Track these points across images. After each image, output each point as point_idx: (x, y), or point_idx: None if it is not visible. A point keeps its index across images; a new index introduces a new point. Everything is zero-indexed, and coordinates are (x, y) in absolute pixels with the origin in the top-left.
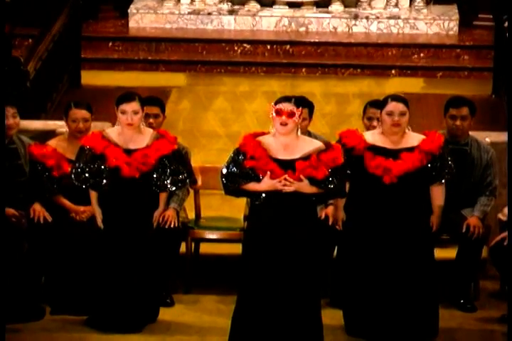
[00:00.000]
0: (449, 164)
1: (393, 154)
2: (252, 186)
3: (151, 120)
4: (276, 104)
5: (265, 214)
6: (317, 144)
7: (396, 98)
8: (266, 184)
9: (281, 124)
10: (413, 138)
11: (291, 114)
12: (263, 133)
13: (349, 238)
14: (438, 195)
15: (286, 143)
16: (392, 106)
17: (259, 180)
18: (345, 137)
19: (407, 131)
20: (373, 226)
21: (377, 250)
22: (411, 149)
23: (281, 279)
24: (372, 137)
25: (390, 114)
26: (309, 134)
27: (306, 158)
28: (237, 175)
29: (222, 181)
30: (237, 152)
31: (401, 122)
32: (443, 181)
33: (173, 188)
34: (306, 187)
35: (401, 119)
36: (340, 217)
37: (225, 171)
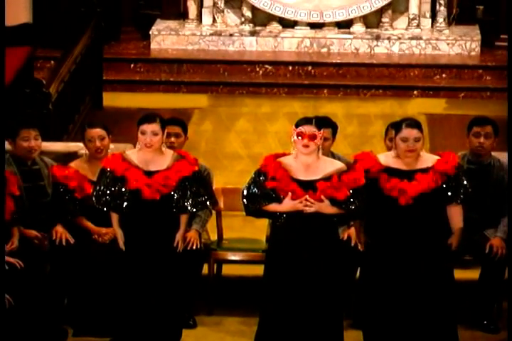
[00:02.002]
0: (465, 184)
1: (408, 175)
2: (273, 207)
3: (172, 139)
4: (297, 126)
5: (286, 235)
6: (338, 165)
7: (410, 124)
8: (287, 205)
9: (303, 146)
10: (427, 160)
11: (312, 137)
12: (284, 154)
13: (370, 259)
14: (455, 215)
15: (308, 163)
16: (407, 132)
17: (280, 201)
18: (360, 160)
19: (421, 153)
20: (391, 247)
21: (396, 271)
22: (425, 170)
23: (304, 300)
24: (386, 159)
25: (405, 140)
26: (332, 155)
27: (327, 178)
28: (258, 196)
29: (243, 202)
30: (258, 173)
31: (415, 148)
32: (459, 201)
33: (194, 210)
34: (327, 207)
35: (416, 145)
36: (361, 238)
37: (245, 192)
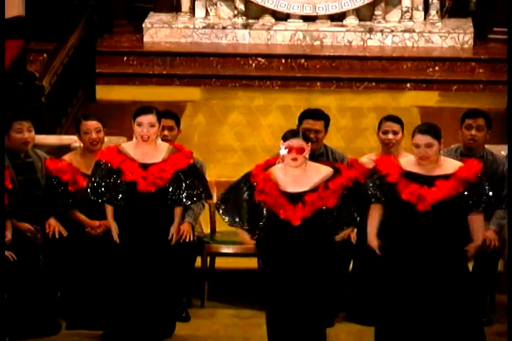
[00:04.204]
0: (486, 192)
1: (428, 181)
2: (243, 237)
3: (165, 132)
4: (285, 139)
5: (275, 245)
6: (324, 172)
7: (422, 130)
8: (244, 240)
9: (292, 160)
10: (449, 166)
11: (301, 150)
12: (273, 161)
13: (385, 263)
14: (476, 223)
15: (295, 174)
16: (418, 138)
17: (263, 214)
18: (381, 163)
19: (442, 159)
20: (407, 253)
21: (411, 276)
22: (447, 177)
23: (300, 293)
24: (407, 163)
25: (417, 146)
26: (325, 148)
27: (315, 189)
28: (235, 205)
29: (218, 208)
30: (246, 182)
31: (428, 155)
32: (480, 210)
33: (189, 202)
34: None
35: (427, 152)
36: (375, 242)
37: (222, 198)
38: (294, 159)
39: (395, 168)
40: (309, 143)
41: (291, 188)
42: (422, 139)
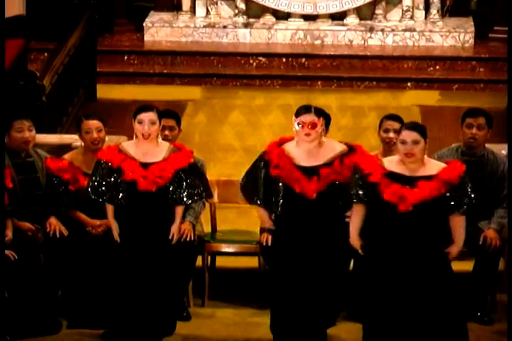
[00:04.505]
0: (469, 194)
1: (410, 182)
2: (260, 213)
3: (166, 132)
4: (297, 115)
5: (289, 222)
6: (339, 148)
7: (409, 126)
8: (265, 223)
9: (305, 135)
10: (433, 167)
11: (313, 125)
12: (289, 139)
13: (366, 263)
14: (457, 225)
15: (310, 149)
16: (405, 134)
17: (279, 188)
18: (363, 163)
19: (426, 158)
20: (387, 254)
21: (392, 276)
22: (429, 177)
23: (307, 286)
24: (390, 163)
25: (403, 142)
26: None
27: (329, 163)
28: (253, 188)
29: (241, 191)
30: (261, 159)
31: (414, 152)
32: (462, 211)
33: (189, 202)
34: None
35: (413, 148)
36: (356, 241)
37: (242, 181)
38: (307, 134)
39: (378, 168)
40: (322, 118)
41: (306, 162)
42: (409, 135)
